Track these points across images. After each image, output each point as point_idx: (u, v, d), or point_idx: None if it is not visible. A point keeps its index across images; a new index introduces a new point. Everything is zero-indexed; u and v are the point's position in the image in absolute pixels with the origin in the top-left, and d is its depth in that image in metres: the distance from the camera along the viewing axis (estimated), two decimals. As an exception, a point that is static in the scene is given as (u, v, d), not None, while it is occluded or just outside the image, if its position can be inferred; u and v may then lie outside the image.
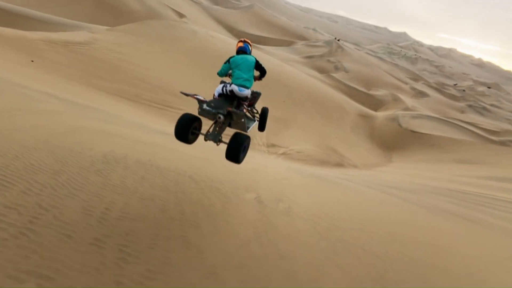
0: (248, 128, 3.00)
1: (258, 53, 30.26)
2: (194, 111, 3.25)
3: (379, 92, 30.42)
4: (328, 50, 39.00)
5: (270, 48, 38.81)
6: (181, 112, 10.98)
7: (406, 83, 37.26)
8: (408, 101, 30.22)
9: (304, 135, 20.49)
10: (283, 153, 17.29)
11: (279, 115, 21.44)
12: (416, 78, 43.57)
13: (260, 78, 3.39)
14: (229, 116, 2.87)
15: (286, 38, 45.88)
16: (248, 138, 2.78)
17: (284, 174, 5.78)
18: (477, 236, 5.07)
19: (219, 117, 2.77)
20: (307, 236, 2.89)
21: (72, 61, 15.21)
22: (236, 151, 2.64)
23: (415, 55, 70.77)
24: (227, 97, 2.97)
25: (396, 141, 21.42)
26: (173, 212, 2.46)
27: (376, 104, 28.14)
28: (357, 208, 4.81)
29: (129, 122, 6.67)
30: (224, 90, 2.94)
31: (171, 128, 11.42)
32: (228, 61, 3.12)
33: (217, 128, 2.89)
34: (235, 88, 2.91)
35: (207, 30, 28.36)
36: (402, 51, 71.55)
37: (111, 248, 1.77)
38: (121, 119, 6.87)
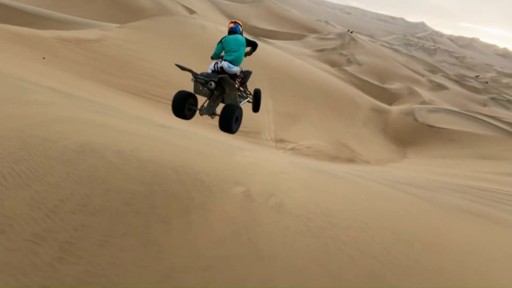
0: (240, 102, 3.17)
1: (267, 47, 29.79)
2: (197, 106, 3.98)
3: (394, 86, 29.19)
4: (341, 43, 37.81)
5: (281, 42, 38.15)
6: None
7: (423, 76, 35.54)
8: (425, 94, 28.84)
9: (314, 130, 19.99)
10: (292, 149, 16.91)
11: (289, 110, 20.99)
12: (434, 70, 41.50)
13: (251, 52, 3.61)
14: (221, 88, 3.03)
15: (297, 32, 44.91)
16: (239, 108, 2.95)
17: (285, 168, 5.45)
18: (497, 237, 4.56)
19: (211, 84, 2.89)
20: (296, 235, 2.58)
21: (83, 58, 15.46)
22: (229, 120, 2.83)
23: (434, 46, 67.52)
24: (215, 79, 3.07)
25: (411, 136, 20.42)
26: (140, 205, 2.21)
27: (390, 97, 27.00)
28: (360, 204, 4.42)
29: (129, 115, 6.51)
30: (216, 67, 3.10)
31: (174, 122, 11.27)
32: (221, 41, 3.32)
33: (211, 103, 3.13)
34: (224, 64, 3.06)
35: (217, 25, 28.15)
36: (420, 42, 68.41)
37: (50, 245, 1.54)
38: (122, 112, 6.73)
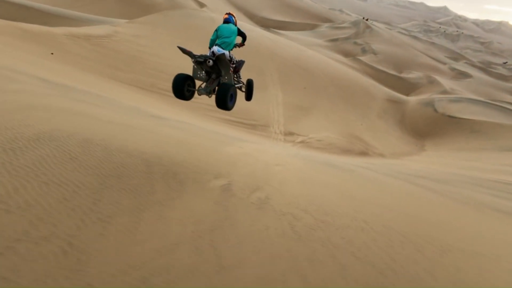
0: (234, 84, 3.53)
1: (278, 38, 28.93)
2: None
3: (412, 75, 27.60)
4: (355, 31, 36.15)
5: (292, 33, 37.08)
6: (197, 102, 9.43)
7: (444, 64, 33.37)
8: (446, 83, 27.07)
9: (326, 123, 19.30)
10: (302, 142, 16.36)
11: (299, 102, 20.36)
12: (456, 57, 38.92)
13: (242, 43, 3.90)
14: (217, 70, 3.36)
15: (310, 22, 43.45)
16: (233, 86, 3.31)
17: (283, 160, 4.96)
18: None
19: (209, 62, 3.23)
20: (276, 237, 2.12)
21: (92, 54, 15.59)
22: (224, 96, 3.16)
23: (457, 31, 63.40)
24: (208, 64, 3.43)
25: (430, 128, 19.19)
26: (80, 201, 1.84)
27: (408, 88, 25.54)
28: (365, 200, 3.88)
29: (121, 106, 6.18)
30: (209, 53, 3.45)
31: (174, 114, 10.94)
32: (216, 30, 3.69)
33: (208, 84, 3.47)
34: (215, 48, 3.42)
35: (226, 17, 27.52)
36: (441, 28, 64.41)
37: None
38: (113, 103, 6.43)
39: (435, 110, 21.14)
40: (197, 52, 3.66)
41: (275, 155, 5.20)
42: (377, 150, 16.41)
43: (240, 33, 3.75)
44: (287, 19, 43.18)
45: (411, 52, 33.48)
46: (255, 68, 21.05)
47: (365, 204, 3.65)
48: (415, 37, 42.71)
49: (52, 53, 12.12)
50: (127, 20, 24.57)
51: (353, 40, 33.84)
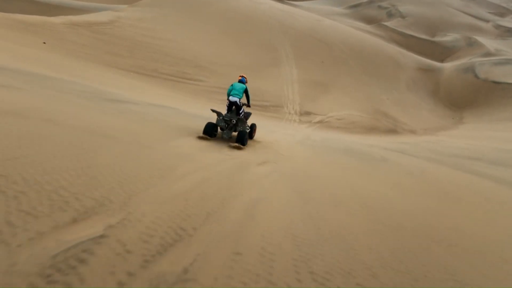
0: (247, 130, 5.34)
1: (291, 9, 26.95)
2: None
3: (447, 38, 24.62)
4: (379, -7, 32.80)
5: (308, 3, 34.52)
6: (200, 84, 13.11)
7: (487, 21, 29.39)
8: (490, 43, 23.88)
9: (346, 99, 17.85)
10: (319, 122, 15.24)
11: (317, 78, 18.97)
12: (502, 12, 34.18)
13: (248, 103, 5.67)
14: (236, 122, 5.19)
15: (327, -12, 40.12)
16: (246, 133, 4.99)
17: (277, 152, 4.09)
18: None
19: (233, 121, 5.12)
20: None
21: (92, 41, 15.31)
22: (242, 139, 4.82)
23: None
24: (230, 107, 5.35)
25: (469, 97, 17.00)
26: None
27: (442, 53, 22.86)
28: (417, 229, 2.92)
29: (74, 91, 5.44)
30: (227, 102, 5.27)
31: (166, 99, 10.16)
32: (231, 85, 5.41)
33: (228, 131, 5.14)
34: (231, 98, 5.22)
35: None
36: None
37: None
38: (65, 87, 5.72)
39: (476, 76, 18.61)
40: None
41: (268, 144, 4.34)
42: (407, 127, 14.78)
43: (246, 92, 5.48)
44: (301, -12, 40.14)
45: (446, 11, 29.74)
46: (266, 44, 19.75)
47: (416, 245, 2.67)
48: (450, -6, 38.00)
49: (44, 43, 11.80)
50: (129, 5, 23.94)
51: (377, 4, 30.74)
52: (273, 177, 3.61)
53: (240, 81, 5.62)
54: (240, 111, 5.40)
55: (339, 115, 16.32)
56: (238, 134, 5.00)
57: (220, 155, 3.96)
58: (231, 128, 5.19)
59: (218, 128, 5.33)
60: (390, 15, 28.66)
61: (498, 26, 28.30)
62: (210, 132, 4.94)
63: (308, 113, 15.74)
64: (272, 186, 3.30)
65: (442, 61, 21.93)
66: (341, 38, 23.76)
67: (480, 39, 24.11)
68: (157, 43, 17.17)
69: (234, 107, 5.32)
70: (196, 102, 12.77)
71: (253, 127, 5.73)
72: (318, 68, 20.55)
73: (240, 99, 5.32)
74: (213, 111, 5.24)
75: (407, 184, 4.12)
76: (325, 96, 18.04)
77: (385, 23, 26.94)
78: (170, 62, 15.94)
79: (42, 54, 10.36)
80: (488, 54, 21.78)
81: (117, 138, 3.50)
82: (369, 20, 29.29)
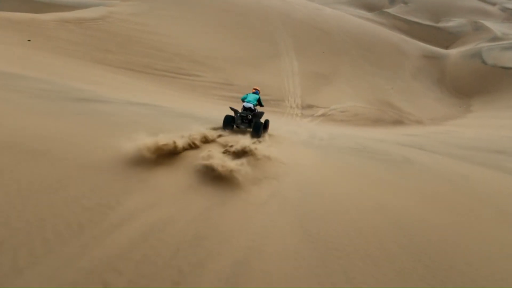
0: (261, 123, 5.65)
1: (289, -2, 26.40)
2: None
3: (452, 23, 24.04)
4: (380, -21, 32.03)
5: (306, -8, 33.81)
6: (197, 80, 13.08)
7: (493, 4, 28.68)
8: (497, 27, 23.31)
9: (350, 90, 17.51)
10: (322, 115, 15.00)
11: (318, 69, 18.62)
12: (508, -4, 33.42)
13: (261, 105, 6.34)
14: (252, 118, 5.72)
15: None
16: (261, 124, 5.53)
17: (276, 164, 3.60)
18: None
19: (249, 116, 5.62)
20: None
21: (82, 38, 14.99)
22: (258, 130, 5.37)
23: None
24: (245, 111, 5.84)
25: (477, 84, 16.58)
26: None
27: (447, 39, 22.33)
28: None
29: (31, 90, 4.91)
30: (242, 107, 5.76)
31: (156, 95, 9.76)
32: (246, 94, 6.10)
33: (245, 124, 5.70)
34: (245, 104, 5.74)
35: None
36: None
37: None
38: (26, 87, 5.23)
39: (484, 62, 18.10)
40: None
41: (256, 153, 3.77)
42: (413, 117, 14.40)
43: (259, 101, 6.13)
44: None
45: (451, -5, 29.10)
46: (265, 36, 19.35)
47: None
48: (454, -23, 37.11)
49: (29, 40, 11.51)
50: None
51: (378, -10, 30.04)
52: (272, 206, 2.62)
53: (253, 92, 6.34)
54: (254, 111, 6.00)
55: (342, 107, 16.04)
56: (253, 126, 5.44)
57: (194, 177, 2.82)
58: (247, 123, 5.70)
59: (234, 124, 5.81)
60: (392, 2, 28.02)
61: (505, 9, 27.58)
62: (228, 125, 5.45)
63: (310, 106, 15.47)
64: (270, 226, 2.31)
65: (447, 47, 21.45)
66: (342, 27, 23.34)
67: (487, 23, 23.54)
68: (150, 38, 16.87)
69: (252, 116, 5.86)
70: (189, 98, 12.49)
71: (267, 123, 6.30)
72: (319, 59, 20.23)
73: (254, 105, 5.91)
74: (231, 108, 5.81)
75: (452, 200, 3.29)
76: (327, 87, 17.72)
77: (387, 10, 26.34)
78: (165, 58, 15.61)
79: (24, 52, 10.06)
80: (495, 38, 21.25)
81: (47, 153, 2.62)
82: (371, 8, 28.67)
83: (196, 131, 3.99)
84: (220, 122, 5.71)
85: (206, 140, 4.08)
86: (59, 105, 4.28)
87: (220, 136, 4.62)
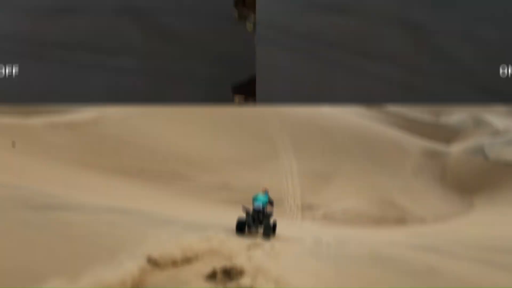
0: (271, 225, 8.11)
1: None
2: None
3: (452, 120, 30.54)
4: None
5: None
6: (193, 185, 17.51)
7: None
8: (499, 121, 29.46)
9: (351, 189, 20.80)
10: (323, 216, 17.73)
11: (318, 168, 22.28)
12: None
13: (271, 206, 8.60)
14: (262, 218, 8.02)
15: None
16: (271, 227, 7.94)
17: None
18: None
19: (259, 216, 7.94)
20: None
21: (72, 142, 18.32)
22: (268, 232, 7.72)
23: None
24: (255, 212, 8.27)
25: (479, 180, 21.10)
26: None
27: (448, 135, 28.18)
28: None
29: None
30: (253, 209, 8.18)
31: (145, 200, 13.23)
32: (257, 194, 8.67)
33: (255, 227, 7.95)
34: (255, 205, 8.18)
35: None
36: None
37: None
38: None
39: (486, 158, 23.10)
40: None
41: None
42: (417, 215, 18.14)
43: (270, 200, 8.52)
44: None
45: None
46: (262, 135, 23.49)
47: None
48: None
49: (13, 142, 14.93)
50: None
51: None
52: None
53: (263, 194, 8.71)
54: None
55: (343, 206, 18.76)
56: (264, 227, 7.79)
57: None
58: (257, 224, 7.89)
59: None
60: (390, 98, 35.45)
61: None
62: (241, 229, 7.67)
63: (310, 207, 18.35)
64: None
65: (448, 143, 27.00)
66: (341, 124, 27.83)
67: (488, 116, 29.69)
68: (144, 140, 20.16)
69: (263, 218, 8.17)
70: (184, 204, 15.09)
71: (275, 223, 8.45)
72: (319, 156, 23.49)
73: (264, 207, 8.22)
74: (243, 207, 8.18)
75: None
76: (328, 186, 20.80)
77: (386, 108, 33.11)
78: (158, 160, 18.85)
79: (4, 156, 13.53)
80: (496, 132, 26.83)
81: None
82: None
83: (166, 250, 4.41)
84: (217, 229, 7.34)
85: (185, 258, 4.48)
86: (8, 216, 5.02)
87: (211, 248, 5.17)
